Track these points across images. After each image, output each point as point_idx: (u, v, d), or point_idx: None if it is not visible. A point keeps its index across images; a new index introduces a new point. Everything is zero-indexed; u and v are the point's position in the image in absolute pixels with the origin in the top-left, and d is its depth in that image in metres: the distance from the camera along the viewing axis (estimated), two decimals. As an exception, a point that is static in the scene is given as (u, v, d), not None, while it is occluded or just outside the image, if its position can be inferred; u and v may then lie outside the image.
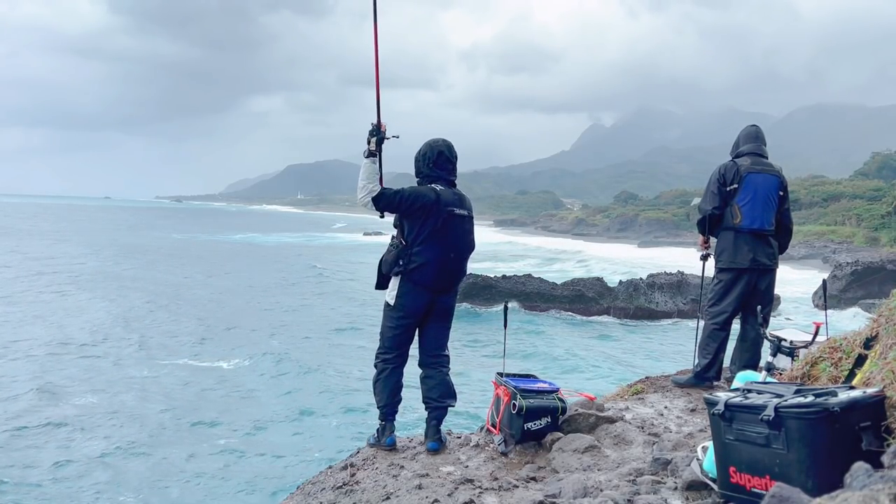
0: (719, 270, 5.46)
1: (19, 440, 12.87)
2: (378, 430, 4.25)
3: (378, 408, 4.22)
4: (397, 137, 3.97)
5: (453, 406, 4.27)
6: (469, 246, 4.24)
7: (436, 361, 4.24)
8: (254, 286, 36.92)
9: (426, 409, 4.22)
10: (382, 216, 4.09)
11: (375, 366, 4.26)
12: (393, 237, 4.16)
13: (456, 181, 4.24)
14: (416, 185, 4.19)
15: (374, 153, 3.99)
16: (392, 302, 4.12)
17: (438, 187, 4.09)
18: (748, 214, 5.24)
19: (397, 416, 4.26)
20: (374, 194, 3.97)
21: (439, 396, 4.19)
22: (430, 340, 4.24)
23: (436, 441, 4.12)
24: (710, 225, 5.44)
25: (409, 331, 4.20)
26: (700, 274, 6.32)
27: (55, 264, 42.92)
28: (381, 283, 4.21)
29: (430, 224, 4.01)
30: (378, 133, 3.97)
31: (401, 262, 4.04)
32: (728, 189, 5.29)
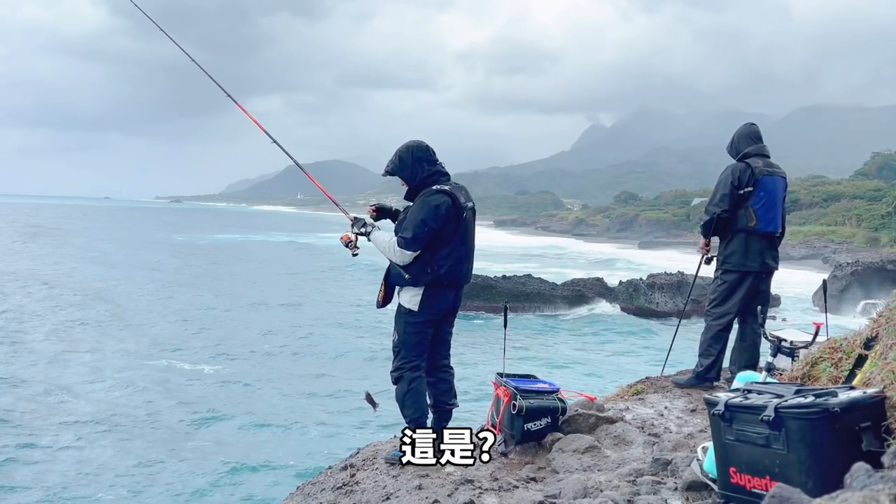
0: (724, 272, 5.41)
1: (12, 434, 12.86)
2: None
3: (410, 420, 3.96)
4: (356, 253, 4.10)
5: (457, 406, 4.27)
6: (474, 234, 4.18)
7: (446, 364, 4.21)
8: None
9: (435, 412, 4.17)
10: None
11: (399, 378, 4.02)
12: None
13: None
14: (423, 197, 3.94)
15: (371, 224, 4.04)
16: (416, 308, 3.94)
17: (446, 186, 3.93)
18: (763, 217, 5.20)
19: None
20: (400, 243, 3.82)
21: (451, 399, 4.20)
22: (441, 344, 4.17)
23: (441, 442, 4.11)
24: (715, 227, 5.41)
25: (429, 334, 4.06)
26: (696, 276, 6.35)
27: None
28: (389, 300, 4.07)
29: (451, 226, 3.90)
30: (359, 218, 4.11)
31: (429, 270, 3.89)
32: (742, 192, 5.20)
